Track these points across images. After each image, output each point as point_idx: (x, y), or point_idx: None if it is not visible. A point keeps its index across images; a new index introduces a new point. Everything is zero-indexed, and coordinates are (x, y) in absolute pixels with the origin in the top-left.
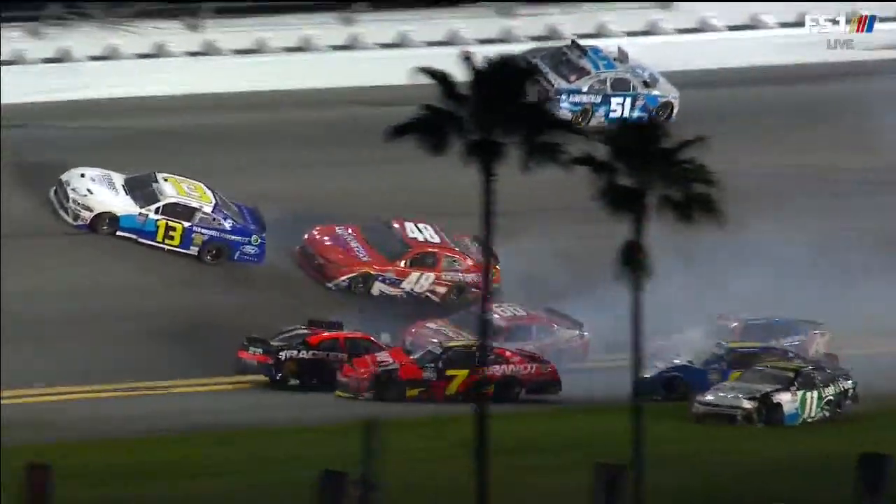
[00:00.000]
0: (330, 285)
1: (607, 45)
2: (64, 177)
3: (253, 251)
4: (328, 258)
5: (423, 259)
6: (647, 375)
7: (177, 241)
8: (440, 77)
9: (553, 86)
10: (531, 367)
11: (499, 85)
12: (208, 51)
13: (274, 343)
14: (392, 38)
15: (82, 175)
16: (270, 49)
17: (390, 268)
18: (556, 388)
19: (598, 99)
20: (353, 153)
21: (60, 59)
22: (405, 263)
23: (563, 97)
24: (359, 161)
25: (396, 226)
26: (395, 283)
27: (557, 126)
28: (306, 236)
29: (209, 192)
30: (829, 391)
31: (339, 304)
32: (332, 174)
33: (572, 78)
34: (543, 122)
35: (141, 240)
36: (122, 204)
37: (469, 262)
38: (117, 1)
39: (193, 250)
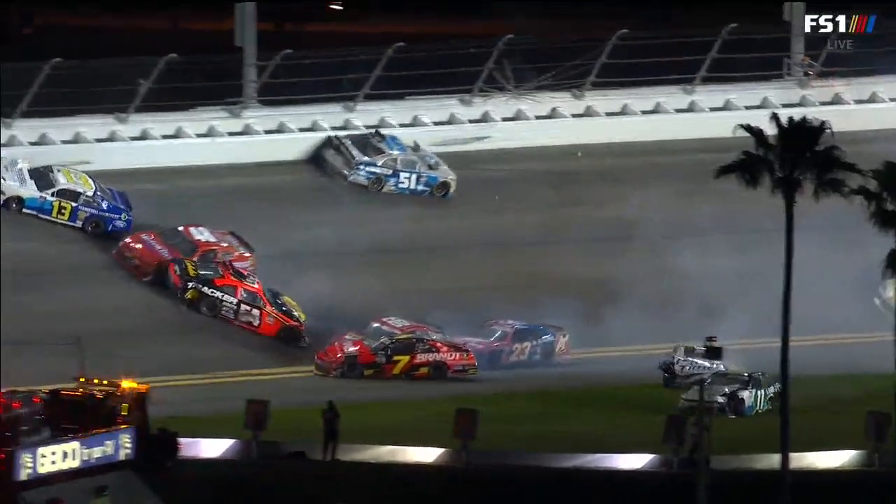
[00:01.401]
0: (145, 279)
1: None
2: None
3: (122, 224)
4: (141, 259)
5: (207, 253)
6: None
7: (66, 217)
8: (755, 131)
9: (354, 158)
10: (455, 355)
11: (798, 137)
12: (588, 113)
13: (192, 270)
14: (720, 104)
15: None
16: (632, 111)
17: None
18: (473, 370)
19: (390, 172)
20: (687, 186)
21: (481, 119)
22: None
23: (361, 167)
24: (698, 192)
25: (183, 230)
26: None
27: (841, 167)
28: (121, 243)
29: (91, 181)
30: (771, 390)
31: None
32: (676, 200)
33: (372, 155)
34: (831, 164)
35: (41, 216)
36: (27, 190)
37: (236, 253)
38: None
39: (78, 224)
